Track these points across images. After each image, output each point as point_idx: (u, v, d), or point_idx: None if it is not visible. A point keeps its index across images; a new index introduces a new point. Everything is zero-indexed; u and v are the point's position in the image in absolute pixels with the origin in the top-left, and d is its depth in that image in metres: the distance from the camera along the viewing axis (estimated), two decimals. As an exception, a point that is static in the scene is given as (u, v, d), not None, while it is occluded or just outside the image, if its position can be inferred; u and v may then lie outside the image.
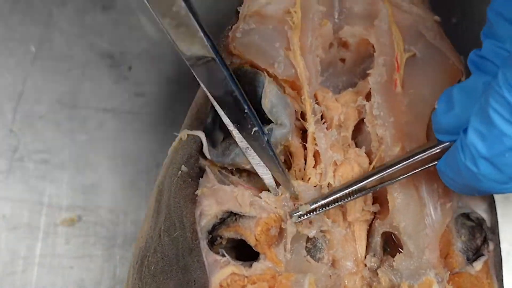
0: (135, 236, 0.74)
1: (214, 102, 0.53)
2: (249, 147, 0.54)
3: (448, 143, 0.50)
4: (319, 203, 0.53)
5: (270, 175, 0.55)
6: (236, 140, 0.54)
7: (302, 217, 0.53)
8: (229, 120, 0.53)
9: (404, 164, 0.52)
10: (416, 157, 0.52)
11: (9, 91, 0.77)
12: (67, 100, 0.77)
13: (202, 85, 0.52)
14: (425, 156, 0.52)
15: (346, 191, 0.53)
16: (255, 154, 0.54)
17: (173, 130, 0.60)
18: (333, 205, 0.53)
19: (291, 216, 0.53)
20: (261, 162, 0.54)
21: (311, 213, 0.53)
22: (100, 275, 0.74)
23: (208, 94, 0.53)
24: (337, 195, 0.53)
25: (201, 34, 0.50)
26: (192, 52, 0.51)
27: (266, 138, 0.53)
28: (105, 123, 0.78)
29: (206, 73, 0.52)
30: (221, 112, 0.53)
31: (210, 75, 0.52)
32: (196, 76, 0.52)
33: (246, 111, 0.52)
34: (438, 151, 0.51)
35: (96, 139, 0.77)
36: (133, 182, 0.76)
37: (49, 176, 0.76)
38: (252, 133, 0.53)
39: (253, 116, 0.53)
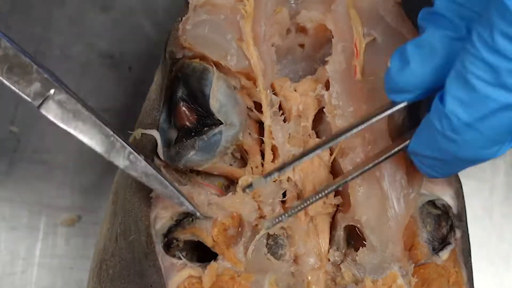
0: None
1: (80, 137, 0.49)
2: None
3: (403, 104, 0.48)
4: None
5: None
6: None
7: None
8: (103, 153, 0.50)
9: (358, 129, 0.49)
10: (371, 120, 0.49)
11: (9, 91, 0.76)
12: (67, 100, 0.77)
13: (61, 124, 0.49)
14: (382, 116, 0.49)
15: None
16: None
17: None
18: (301, 208, 0.51)
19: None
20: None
21: (281, 217, 0.51)
22: (100, 275, 0.74)
23: (73, 132, 0.49)
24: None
25: (36, 67, 0.48)
26: (35, 90, 0.48)
27: (143, 159, 0.50)
28: (105, 123, 0.77)
29: (58, 108, 0.49)
30: (91, 144, 0.49)
31: (63, 108, 0.49)
32: (49, 117, 0.49)
33: (111, 135, 0.49)
34: (396, 113, 0.49)
35: (96, 139, 0.77)
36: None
37: (49, 176, 0.76)
38: (128, 158, 0.50)
39: (120, 140, 0.50)
